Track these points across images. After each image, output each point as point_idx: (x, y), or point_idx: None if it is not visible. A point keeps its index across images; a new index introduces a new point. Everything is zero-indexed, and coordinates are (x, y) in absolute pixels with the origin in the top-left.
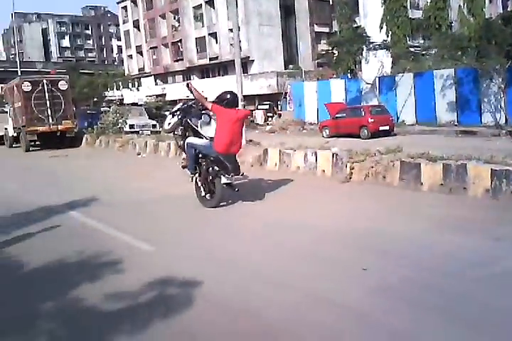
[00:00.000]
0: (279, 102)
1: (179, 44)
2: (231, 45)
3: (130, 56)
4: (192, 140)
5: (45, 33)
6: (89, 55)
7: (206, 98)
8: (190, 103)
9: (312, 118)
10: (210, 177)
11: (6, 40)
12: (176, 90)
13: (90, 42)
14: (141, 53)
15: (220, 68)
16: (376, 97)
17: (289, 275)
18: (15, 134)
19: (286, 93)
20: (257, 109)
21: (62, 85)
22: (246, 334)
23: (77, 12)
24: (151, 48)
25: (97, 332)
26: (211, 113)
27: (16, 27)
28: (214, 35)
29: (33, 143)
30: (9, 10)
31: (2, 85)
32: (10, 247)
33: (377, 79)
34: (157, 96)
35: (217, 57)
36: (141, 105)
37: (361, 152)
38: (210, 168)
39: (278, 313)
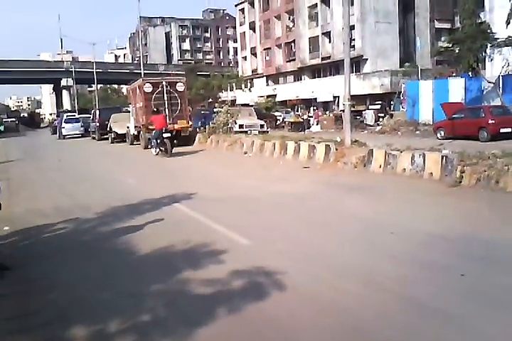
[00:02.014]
0: (391, 102)
1: (292, 44)
2: (344, 44)
3: (244, 58)
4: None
5: (167, 36)
6: (207, 57)
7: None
8: None
9: (426, 119)
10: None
11: (132, 44)
12: (287, 90)
13: (209, 44)
14: (255, 55)
15: (331, 68)
16: (499, 97)
17: (382, 277)
18: (135, 132)
19: (399, 92)
20: (368, 109)
21: (180, 87)
22: (332, 329)
23: (198, 15)
24: (264, 49)
25: (194, 314)
26: None
27: (142, 31)
28: (327, 34)
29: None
30: (136, 15)
31: (127, 86)
32: (124, 235)
33: (500, 77)
34: (268, 96)
35: (329, 57)
36: (251, 106)
37: (474, 155)
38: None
39: (366, 312)
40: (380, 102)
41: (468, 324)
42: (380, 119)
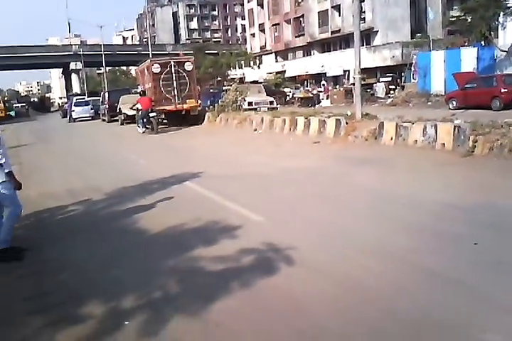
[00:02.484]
0: (402, 74)
1: (301, 19)
2: (354, 16)
3: (253, 34)
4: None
5: (175, 15)
6: (215, 35)
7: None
8: None
9: (438, 90)
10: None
11: (139, 25)
12: (296, 66)
13: (216, 22)
14: (263, 31)
15: (341, 41)
16: None
17: (395, 248)
18: None
19: (410, 64)
20: (379, 81)
21: (188, 66)
22: (346, 302)
23: None
24: (273, 25)
25: (206, 290)
26: None
27: (149, 11)
28: (337, 7)
29: (160, 120)
30: None
31: (135, 68)
32: (135, 215)
33: None
34: (277, 73)
35: (339, 30)
36: (260, 82)
37: (487, 124)
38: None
39: (380, 284)
40: (391, 74)
41: (483, 293)
42: (391, 92)
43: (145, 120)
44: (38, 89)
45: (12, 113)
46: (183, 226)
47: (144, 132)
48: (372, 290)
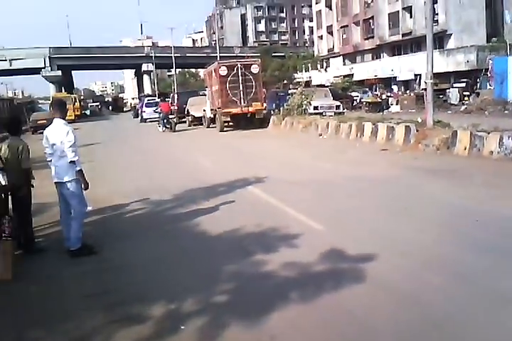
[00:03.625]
0: (477, 80)
1: (370, 21)
2: (426, 18)
3: (320, 37)
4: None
5: (243, 18)
6: (283, 37)
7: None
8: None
9: None
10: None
11: (208, 27)
12: (364, 69)
13: (284, 25)
14: (331, 33)
15: (412, 44)
16: None
17: (466, 267)
18: (211, 115)
19: (486, 69)
20: (452, 87)
21: (254, 69)
22: (410, 323)
23: None
24: (341, 27)
25: (266, 298)
26: None
27: (218, 14)
28: (408, 9)
29: (226, 123)
30: None
31: (203, 70)
32: (198, 217)
33: None
34: (344, 76)
35: (410, 33)
36: (327, 86)
37: None
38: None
39: (447, 305)
40: (465, 80)
41: None
42: (466, 98)
43: (165, 121)
44: (112, 89)
45: (87, 111)
46: (244, 231)
47: (164, 131)
48: (439, 313)
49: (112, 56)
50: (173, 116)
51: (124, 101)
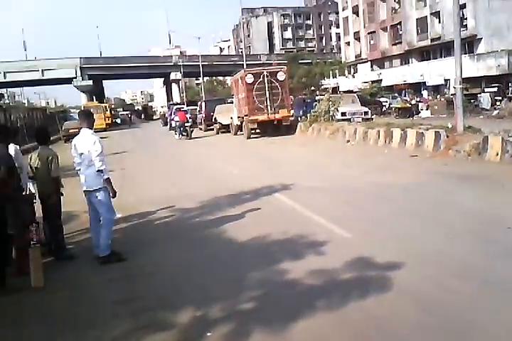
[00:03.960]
0: (509, 84)
1: (398, 27)
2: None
3: (347, 43)
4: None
5: (270, 25)
6: (309, 44)
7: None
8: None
9: None
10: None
11: (235, 35)
12: (393, 75)
13: (310, 32)
14: (358, 39)
15: (441, 49)
16: None
17: (497, 277)
18: (239, 123)
19: None
20: (483, 92)
21: (281, 76)
22: (437, 333)
23: (300, 3)
24: (368, 33)
25: (293, 306)
26: None
27: (244, 22)
28: (437, 14)
29: (253, 131)
30: (239, 6)
31: (230, 78)
32: (225, 224)
33: None
34: (372, 82)
35: (439, 38)
36: (355, 92)
37: None
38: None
39: (478, 315)
40: (496, 84)
41: None
42: (497, 103)
43: (181, 129)
44: (142, 98)
45: (118, 120)
46: (270, 239)
47: (180, 138)
48: (467, 322)
49: (140, 65)
50: (188, 124)
51: (154, 109)
